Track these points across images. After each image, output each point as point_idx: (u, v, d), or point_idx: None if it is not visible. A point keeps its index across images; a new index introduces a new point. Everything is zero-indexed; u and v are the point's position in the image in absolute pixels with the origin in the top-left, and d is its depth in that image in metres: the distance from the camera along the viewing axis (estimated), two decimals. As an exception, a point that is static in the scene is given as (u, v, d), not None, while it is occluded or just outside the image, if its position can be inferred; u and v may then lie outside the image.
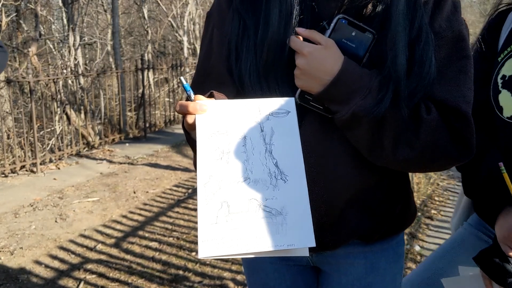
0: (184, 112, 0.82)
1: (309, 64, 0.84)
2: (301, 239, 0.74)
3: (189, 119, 0.82)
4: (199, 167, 0.78)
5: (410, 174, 4.58)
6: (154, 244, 3.32)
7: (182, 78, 0.84)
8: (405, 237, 3.34)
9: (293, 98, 0.84)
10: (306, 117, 0.91)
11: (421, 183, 4.45)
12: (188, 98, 0.84)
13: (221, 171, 0.77)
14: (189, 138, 0.92)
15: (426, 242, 3.29)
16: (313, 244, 0.74)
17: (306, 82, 0.85)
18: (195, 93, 0.84)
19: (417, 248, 3.18)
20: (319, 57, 0.83)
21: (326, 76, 0.83)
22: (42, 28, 6.99)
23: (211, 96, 0.89)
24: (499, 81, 1.15)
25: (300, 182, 0.78)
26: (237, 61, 0.93)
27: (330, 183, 0.93)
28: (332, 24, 0.85)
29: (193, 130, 0.83)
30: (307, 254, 0.76)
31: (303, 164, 0.79)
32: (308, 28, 0.88)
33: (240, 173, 0.78)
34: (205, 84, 0.98)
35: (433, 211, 3.84)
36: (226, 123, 0.81)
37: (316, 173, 0.92)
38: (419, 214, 3.73)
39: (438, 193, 4.32)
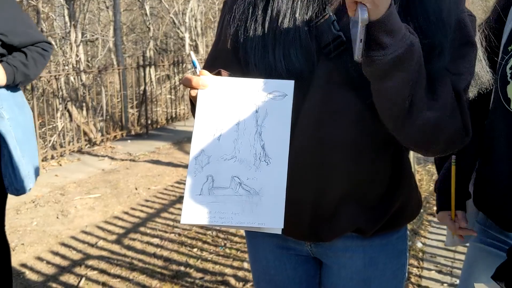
0: (188, 86, 0.88)
1: None
2: (272, 220, 0.80)
3: (193, 92, 0.89)
4: (194, 140, 0.84)
5: (412, 170, 4.52)
6: (155, 241, 3.32)
7: (191, 52, 0.91)
8: (407, 233, 3.33)
9: (292, 81, 0.85)
10: (306, 102, 0.91)
11: (423, 180, 4.44)
12: (195, 73, 0.89)
13: (212, 147, 0.83)
14: (193, 109, 0.96)
15: (428, 238, 3.28)
16: (281, 226, 0.80)
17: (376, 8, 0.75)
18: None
19: (419, 244, 3.17)
20: None
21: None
22: (44, 25, 6.98)
23: (218, 74, 0.92)
24: (508, 71, 1.09)
25: (281, 167, 0.82)
26: (244, 40, 0.96)
27: (326, 173, 0.93)
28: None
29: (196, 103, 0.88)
30: (279, 232, 0.81)
31: (287, 149, 0.83)
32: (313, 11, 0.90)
33: (228, 151, 0.83)
34: (213, 67, 1.01)
35: (435, 208, 3.82)
36: (225, 101, 0.85)
37: (312, 162, 0.92)
38: (421, 211, 3.72)
39: (440, 190, 4.31)
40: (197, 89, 0.87)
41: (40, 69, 1.97)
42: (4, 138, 1.72)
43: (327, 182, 0.94)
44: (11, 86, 1.84)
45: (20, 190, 1.78)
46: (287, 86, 0.84)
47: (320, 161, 0.93)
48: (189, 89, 0.90)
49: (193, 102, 0.92)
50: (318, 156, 0.92)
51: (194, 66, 0.90)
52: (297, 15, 0.91)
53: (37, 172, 1.96)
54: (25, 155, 1.80)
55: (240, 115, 0.84)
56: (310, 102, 0.91)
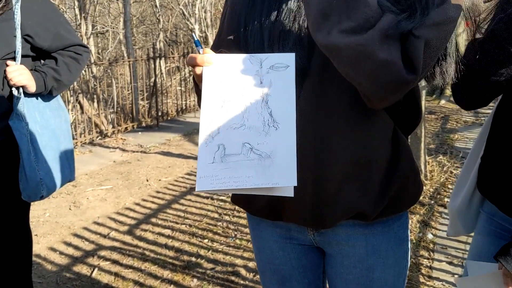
0: (193, 64, 0.90)
1: None
2: (285, 179, 0.82)
3: (197, 70, 0.90)
4: (202, 113, 0.87)
5: (422, 160, 4.51)
6: (166, 231, 3.34)
7: (193, 34, 0.91)
8: (418, 225, 3.32)
9: (293, 54, 0.88)
10: (304, 88, 0.93)
11: (434, 171, 4.42)
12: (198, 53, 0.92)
13: (221, 118, 0.86)
14: (197, 90, 0.98)
15: (439, 230, 3.27)
16: (295, 184, 0.81)
17: None
18: None
19: (430, 236, 3.16)
20: None
21: None
22: (54, 17, 7.01)
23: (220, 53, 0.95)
24: None
25: (289, 130, 0.84)
26: (244, 34, 0.99)
27: (326, 156, 0.95)
28: None
29: (200, 82, 0.91)
30: (291, 195, 0.83)
31: (294, 114, 0.85)
32: None
33: (237, 120, 0.86)
34: None
35: (446, 199, 3.81)
36: (230, 74, 0.89)
37: (312, 146, 0.94)
38: (432, 202, 3.70)
39: (451, 181, 4.28)
40: (202, 66, 0.89)
41: (75, 74, 1.85)
42: (21, 142, 1.65)
43: (328, 165, 0.95)
44: (45, 93, 1.76)
45: (31, 196, 1.70)
46: (289, 58, 0.88)
47: (320, 144, 0.94)
48: (194, 69, 0.92)
49: (196, 82, 0.94)
50: (318, 138, 0.94)
51: (197, 45, 0.92)
52: (294, 10, 0.93)
53: (65, 179, 1.90)
54: (44, 160, 1.72)
55: (246, 86, 0.87)
56: (307, 90, 0.93)
